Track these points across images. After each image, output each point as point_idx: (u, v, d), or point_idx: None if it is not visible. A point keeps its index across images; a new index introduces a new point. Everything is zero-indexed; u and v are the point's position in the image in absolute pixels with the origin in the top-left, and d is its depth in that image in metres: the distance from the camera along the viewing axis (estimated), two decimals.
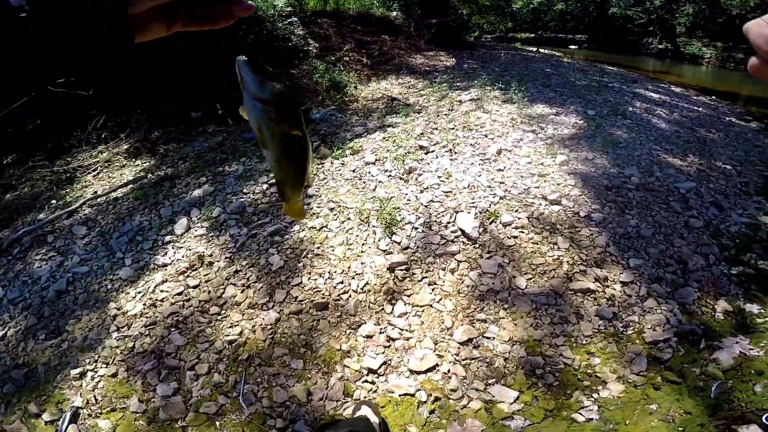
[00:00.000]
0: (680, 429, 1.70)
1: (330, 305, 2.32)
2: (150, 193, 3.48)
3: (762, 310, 2.25)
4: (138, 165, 4.31)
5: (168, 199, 3.38)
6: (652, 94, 5.79)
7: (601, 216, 2.76)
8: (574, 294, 2.32)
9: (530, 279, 2.44)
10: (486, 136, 3.71)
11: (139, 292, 2.48)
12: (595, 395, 1.88)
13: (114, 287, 2.55)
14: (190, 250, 2.74)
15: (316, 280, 2.47)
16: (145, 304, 2.40)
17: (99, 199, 3.52)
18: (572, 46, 15.22)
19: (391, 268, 2.52)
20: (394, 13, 9.27)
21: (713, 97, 6.79)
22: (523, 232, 2.66)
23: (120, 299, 2.46)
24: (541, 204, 2.83)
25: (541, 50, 9.94)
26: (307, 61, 5.60)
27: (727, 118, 5.15)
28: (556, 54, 10.02)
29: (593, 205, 2.86)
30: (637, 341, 2.07)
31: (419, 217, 2.78)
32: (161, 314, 2.33)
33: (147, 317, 2.33)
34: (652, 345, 2.04)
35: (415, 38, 8.10)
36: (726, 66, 12.48)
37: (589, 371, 1.96)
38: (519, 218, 2.73)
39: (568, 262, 2.48)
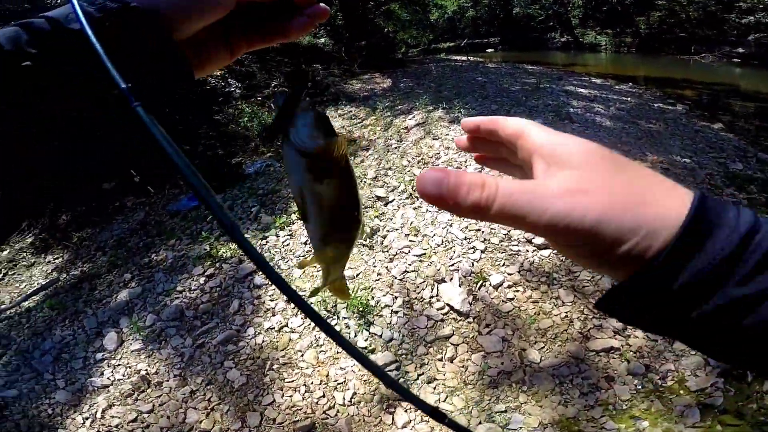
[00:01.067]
0: None
1: (318, 425, 1.79)
2: (67, 301, 2.79)
3: None
4: (49, 262, 3.33)
5: (90, 307, 2.67)
6: (581, 90, 5.54)
7: None
8: (596, 355, 1.86)
9: (543, 349, 1.91)
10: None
11: (86, 418, 2.03)
12: None
13: (55, 412, 2.10)
14: (129, 368, 2.22)
15: (291, 396, 1.90)
16: (98, 431, 1.96)
17: (8, 311, 2.87)
18: (489, 50, 15.23)
19: None
20: (322, 40, 8.50)
21: (630, 84, 6.73)
22: (518, 291, 2.08)
23: (68, 425, 2.03)
24: (528, 250, 2.27)
25: (469, 57, 9.67)
26: (231, 103, 4.71)
27: (655, 105, 4.97)
28: (480, 60, 9.78)
29: None
30: (681, 392, 1.71)
31: (396, 297, 2.11)
32: None
33: None
34: (699, 392, 1.68)
35: (347, 63, 7.42)
36: (620, 51, 12.97)
37: None
38: (509, 274, 2.14)
39: (578, 318, 1.97)
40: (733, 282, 0.20)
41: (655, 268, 0.21)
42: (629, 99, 5.17)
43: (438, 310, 2.03)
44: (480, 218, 0.24)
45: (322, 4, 0.34)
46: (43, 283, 3.03)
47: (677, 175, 3.01)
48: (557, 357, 1.85)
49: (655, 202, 0.22)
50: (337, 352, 1.99)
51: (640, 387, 1.74)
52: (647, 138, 3.71)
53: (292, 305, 2.18)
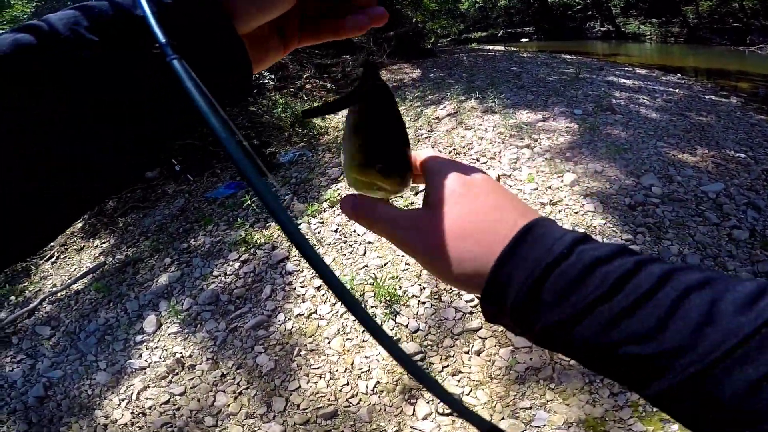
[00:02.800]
0: None
1: (339, 412, 1.81)
2: (112, 284, 2.92)
3: None
4: (96, 246, 3.53)
5: (132, 290, 2.79)
6: (624, 80, 5.22)
7: (637, 248, 2.11)
8: None
9: None
10: (477, 160, 3.03)
11: (122, 399, 2.12)
12: None
13: (95, 393, 2.20)
14: (166, 350, 2.29)
15: (316, 382, 1.92)
16: (132, 413, 2.04)
17: (59, 293, 3.03)
18: (523, 39, 14.66)
19: None
20: None
21: (678, 75, 6.27)
22: None
23: (105, 406, 2.13)
24: None
25: (506, 47, 9.34)
26: (265, 95, 4.80)
27: (707, 97, 4.60)
28: (513, 50, 9.44)
29: (623, 234, 2.22)
30: None
31: (424, 288, 2.08)
32: (153, 424, 1.96)
33: (139, 427, 1.97)
34: None
35: (376, 54, 7.37)
36: (667, 41, 12.11)
37: None
38: None
39: None
40: (545, 309, 0.23)
41: (483, 298, 0.25)
42: (677, 90, 4.82)
43: (467, 302, 1.99)
44: (368, 229, 0.31)
45: (382, 8, 0.32)
46: (90, 266, 3.19)
47: (729, 171, 2.78)
48: None
49: (480, 236, 0.26)
50: (363, 341, 1.99)
51: None
52: (697, 131, 3.45)
53: (323, 292, 2.21)
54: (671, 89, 4.87)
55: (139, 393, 2.12)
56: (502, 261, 0.24)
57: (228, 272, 2.57)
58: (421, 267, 2.21)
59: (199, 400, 2.01)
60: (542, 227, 0.25)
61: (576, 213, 2.39)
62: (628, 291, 0.21)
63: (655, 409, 1.65)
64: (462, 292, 2.04)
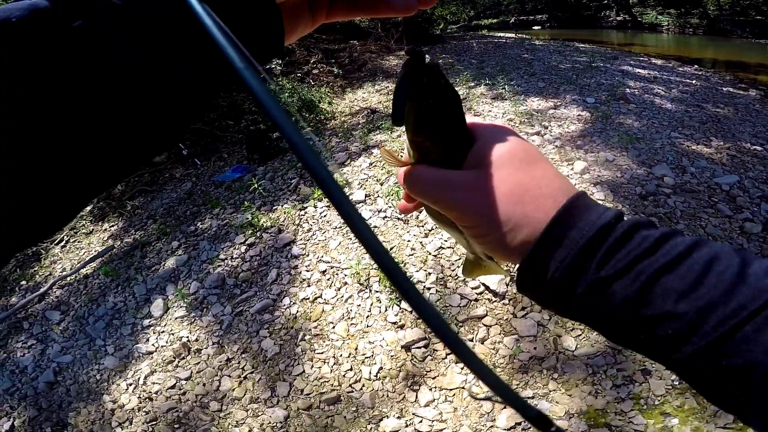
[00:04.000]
0: None
1: (342, 398, 1.82)
2: (121, 268, 2.95)
3: None
4: (105, 230, 3.57)
5: (140, 274, 2.82)
6: (639, 70, 5.11)
7: None
8: None
9: (580, 336, 1.85)
10: None
11: (130, 384, 2.15)
12: None
13: (103, 378, 2.23)
14: (173, 335, 2.30)
15: (320, 367, 1.94)
16: (139, 397, 2.06)
17: (69, 278, 3.06)
18: (536, 27, 14.35)
19: (407, 347, 1.85)
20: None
21: (696, 66, 6.11)
22: None
23: (113, 391, 2.15)
24: None
25: (518, 34, 9.14)
26: (272, 80, 4.77)
27: (724, 89, 4.49)
28: (525, 37, 9.24)
29: None
30: None
31: (430, 273, 2.08)
32: (159, 409, 1.98)
33: (145, 412, 1.99)
34: None
35: (384, 39, 7.27)
36: (685, 32, 11.77)
37: None
38: None
39: None
40: (592, 267, 0.23)
41: (529, 258, 0.25)
42: (694, 82, 4.71)
43: (473, 289, 1.99)
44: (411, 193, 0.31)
45: None
46: (99, 250, 3.21)
47: (745, 163, 2.73)
48: (593, 346, 1.78)
49: (532, 201, 0.26)
50: (368, 326, 2.01)
51: (677, 383, 1.66)
52: (713, 123, 3.37)
53: (328, 277, 2.22)
54: (688, 80, 4.76)
55: (146, 378, 2.14)
56: (560, 220, 0.24)
57: (234, 255, 2.59)
58: (425, 251, 2.21)
59: (204, 385, 2.02)
60: (588, 198, 0.26)
61: None
62: (666, 250, 0.22)
63: (657, 403, 1.66)
64: (468, 280, 2.04)
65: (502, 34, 9.39)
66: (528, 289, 0.26)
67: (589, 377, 1.69)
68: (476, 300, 1.96)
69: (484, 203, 0.27)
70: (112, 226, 3.57)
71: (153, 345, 2.29)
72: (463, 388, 1.76)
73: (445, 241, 2.22)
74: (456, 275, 2.06)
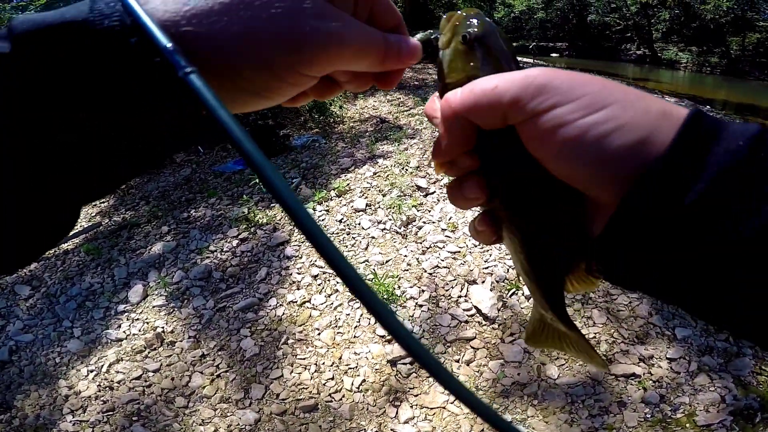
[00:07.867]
0: None
1: (320, 406, 1.80)
2: (104, 247, 2.88)
3: None
4: (94, 205, 3.54)
5: (123, 256, 2.75)
6: None
7: None
8: (615, 379, 1.82)
9: (563, 366, 1.89)
10: None
11: (91, 371, 2.06)
12: None
13: (63, 361, 2.13)
14: (147, 323, 2.24)
15: (300, 373, 1.91)
16: (99, 386, 1.99)
17: (47, 252, 2.81)
18: (554, 54, 14.60)
19: (393, 362, 1.84)
20: None
21: (707, 107, 6.23)
22: None
23: (71, 376, 2.06)
24: None
25: (536, 60, 9.29)
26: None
27: None
28: (542, 63, 9.38)
29: None
30: (688, 425, 1.67)
31: (423, 290, 2.08)
32: (119, 399, 1.92)
33: (103, 401, 1.92)
34: (705, 428, 1.66)
35: None
36: (703, 70, 12.00)
37: None
38: None
39: (606, 340, 1.94)
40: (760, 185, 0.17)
41: (660, 163, 0.19)
42: None
43: (464, 310, 1.98)
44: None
45: (412, 41, 0.28)
46: (85, 225, 3.14)
47: None
48: (575, 376, 1.81)
49: (659, 109, 0.21)
50: (354, 336, 1.99)
51: (649, 416, 1.70)
52: None
53: (319, 282, 2.21)
54: None
55: (110, 366, 2.07)
56: (697, 121, 0.19)
57: (225, 249, 2.57)
58: (421, 268, 2.20)
59: (173, 379, 1.97)
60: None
61: None
62: None
63: None
64: (461, 301, 2.03)
65: (519, 59, 9.52)
66: (624, 239, 0.20)
67: (567, 406, 1.72)
68: (467, 322, 1.96)
69: (575, 80, 0.22)
70: (102, 202, 3.54)
71: (124, 332, 2.22)
72: (444, 408, 1.75)
73: (442, 260, 2.22)
74: (448, 295, 2.06)
